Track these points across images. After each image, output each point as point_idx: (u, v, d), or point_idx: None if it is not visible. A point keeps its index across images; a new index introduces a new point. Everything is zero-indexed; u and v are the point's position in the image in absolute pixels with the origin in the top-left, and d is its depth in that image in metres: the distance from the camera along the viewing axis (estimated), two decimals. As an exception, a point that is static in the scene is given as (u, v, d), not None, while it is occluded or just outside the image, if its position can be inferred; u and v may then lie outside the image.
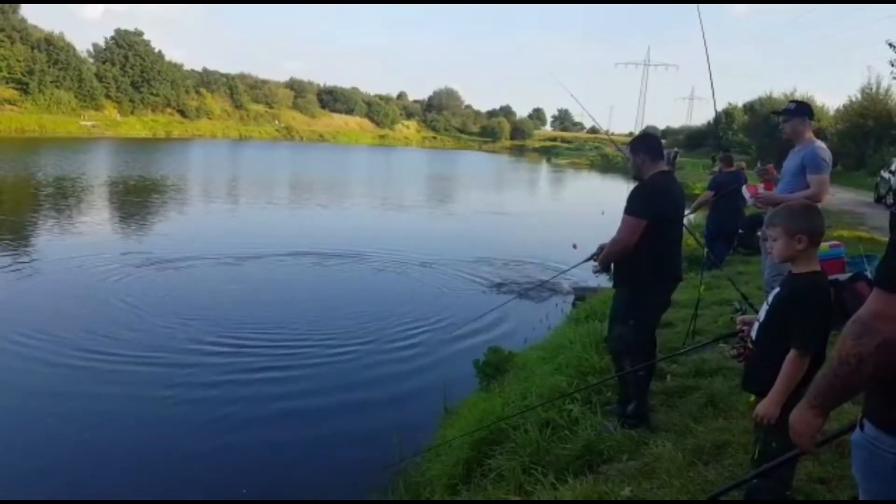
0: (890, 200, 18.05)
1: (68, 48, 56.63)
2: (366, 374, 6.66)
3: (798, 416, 1.61)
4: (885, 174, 19.85)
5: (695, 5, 4.75)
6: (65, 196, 18.40)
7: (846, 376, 1.41)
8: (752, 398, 2.72)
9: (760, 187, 7.48)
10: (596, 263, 3.95)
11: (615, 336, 3.92)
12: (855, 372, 1.38)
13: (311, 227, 16.61)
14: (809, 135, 4.76)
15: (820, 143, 4.73)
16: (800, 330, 2.23)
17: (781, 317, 2.33)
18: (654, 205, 3.68)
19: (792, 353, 2.22)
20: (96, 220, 15.21)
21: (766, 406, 2.24)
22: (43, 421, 5.42)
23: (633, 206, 3.69)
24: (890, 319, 1.32)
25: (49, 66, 53.29)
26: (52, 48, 54.53)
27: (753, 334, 2.48)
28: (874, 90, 34.43)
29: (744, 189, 8.42)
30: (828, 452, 3.00)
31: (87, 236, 12.98)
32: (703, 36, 4.62)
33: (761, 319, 2.44)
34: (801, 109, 4.84)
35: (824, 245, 6.37)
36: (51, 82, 53.03)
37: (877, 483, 1.46)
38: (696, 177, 30.74)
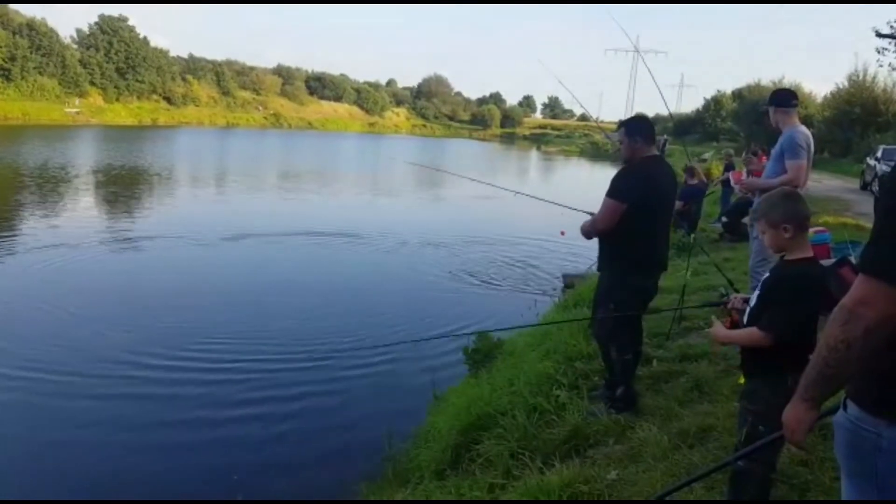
0: (876, 187, 18.18)
1: (51, 34, 55.69)
2: (354, 363, 6.66)
3: (790, 412, 1.62)
4: (871, 161, 19.99)
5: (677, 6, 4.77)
6: (45, 187, 18.16)
7: (836, 364, 1.42)
8: (741, 380, 2.75)
9: (744, 173, 7.54)
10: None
11: (598, 320, 3.95)
12: (844, 359, 1.39)
13: (310, 213, 16.59)
14: (792, 120, 4.77)
15: (799, 129, 4.74)
16: (767, 313, 2.31)
17: (763, 302, 2.36)
18: (636, 190, 3.63)
19: (756, 328, 2.33)
20: (82, 209, 15.06)
21: (716, 331, 2.56)
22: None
23: (615, 189, 3.65)
24: (873, 305, 1.33)
25: (32, 53, 52.41)
26: (35, 34, 53.60)
27: (745, 319, 2.50)
28: (861, 77, 34.63)
29: (730, 175, 8.56)
30: (810, 435, 3.03)
31: (72, 224, 12.84)
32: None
33: (751, 304, 2.46)
34: (774, 99, 4.92)
35: (810, 231, 6.43)
36: (34, 69, 52.19)
37: (858, 463, 1.48)
38: (684, 164, 30.82)
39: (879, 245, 1.37)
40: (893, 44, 20.78)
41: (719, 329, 2.50)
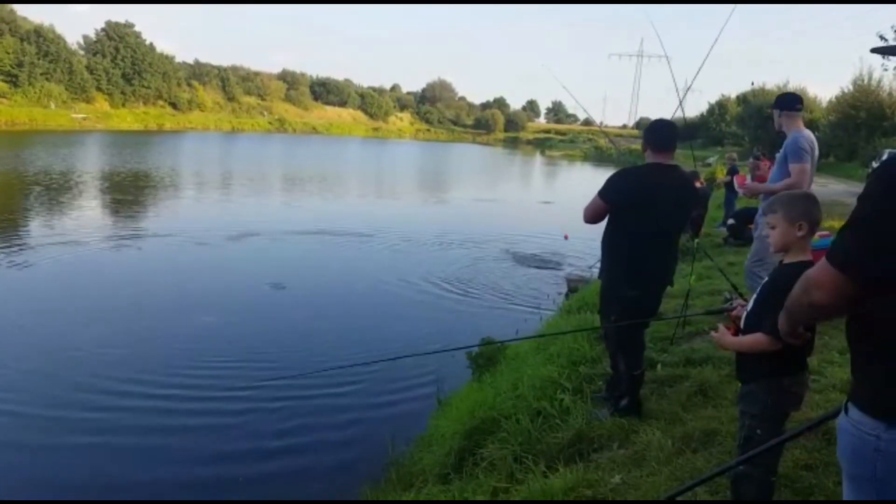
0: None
1: (58, 40, 56.05)
2: (358, 368, 6.62)
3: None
4: (877, 165, 19.92)
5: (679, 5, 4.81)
6: (52, 191, 18.25)
7: (798, 312, 1.65)
8: (740, 385, 2.76)
9: (748, 178, 7.56)
10: None
11: (605, 334, 3.96)
12: (805, 312, 1.62)
13: (319, 214, 16.73)
14: (797, 124, 4.77)
15: (803, 133, 4.72)
16: (771, 318, 2.24)
17: (762, 306, 2.37)
18: (617, 191, 3.62)
19: (762, 334, 2.30)
20: (89, 213, 15.14)
21: (721, 339, 2.47)
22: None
23: (603, 186, 3.68)
24: (823, 288, 1.44)
25: (39, 59, 52.75)
26: (42, 40, 53.95)
27: (741, 323, 2.51)
28: (866, 81, 34.56)
29: (734, 178, 8.62)
30: (814, 439, 3.04)
31: (77, 230, 12.91)
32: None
33: (748, 308, 2.47)
34: (779, 102, 4.94)
35: (814, 235, 6.43)
36: (41, 74, 52.53)
37: (859, 466, 1.48)
38: (689, 168, 30.83)
39: (843, 236, 1.41)
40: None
41: (725, 336, 2.47)
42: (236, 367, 6.50)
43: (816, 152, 4.78)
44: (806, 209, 2.32)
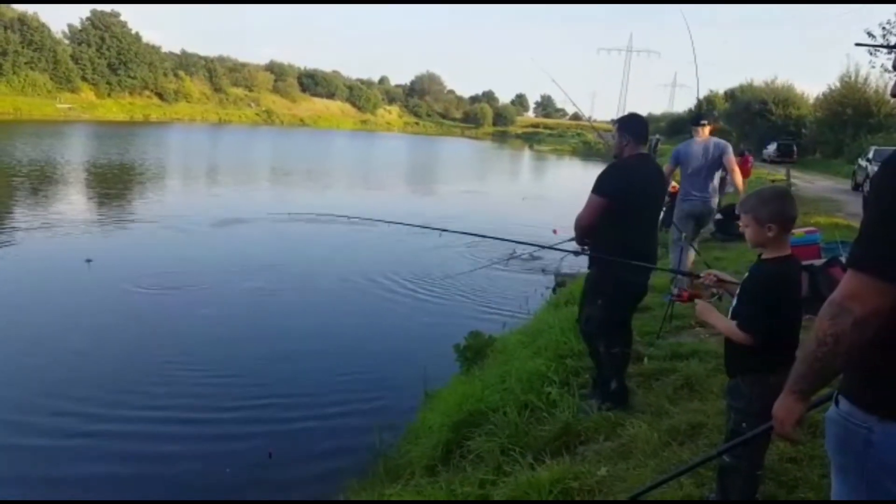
0: (867, 188, 18.30)
1: (42, 29, 55.34)
2: (346, 361, 6.65)
3: (779, 405, 1.63)
4: (863, 162, 20.13)
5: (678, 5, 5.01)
6: (34, 183, 18.03)
7: (824, 357, 1.43)
8: (729, 379, 2.78)
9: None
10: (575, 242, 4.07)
11: (585, 317, 3.95)
12: (832, 352, 1.41)
13: (310, 201, 16.54)
14: (696, 135, 6.26)
15: (685, 143, 6.39)
16: (745, 310, 2.36)
17: (741, 300, 2.41)
18: (616, 184, 3.74)
19: (735, 325, 2.36)
20: (79, 207, 14.98)
21: (704, 309, 2.55)
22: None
23: (598, 184, 3.78)
24: (862, 299, 1.35)
25: (23, 48, 52.05)
26: (26, 28, 53.25)
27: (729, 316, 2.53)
28: (853, 79, 34.85)
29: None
30: (799, 432, 3.05)
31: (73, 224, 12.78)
32: (691, 38, 4.96)
33: (734, 304, 2.49)
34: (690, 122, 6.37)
35: (800, 231, 6.48)
36: (25, 63, 51.85)
37: (848, 458, 1.49)
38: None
39: (867, 241, 1.39)
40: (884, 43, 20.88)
41: (708, 308, 2.53)
42: (217, 359, 6.47)
43: (699, 157, 6.14)
44: (775, 211, 2.34)
